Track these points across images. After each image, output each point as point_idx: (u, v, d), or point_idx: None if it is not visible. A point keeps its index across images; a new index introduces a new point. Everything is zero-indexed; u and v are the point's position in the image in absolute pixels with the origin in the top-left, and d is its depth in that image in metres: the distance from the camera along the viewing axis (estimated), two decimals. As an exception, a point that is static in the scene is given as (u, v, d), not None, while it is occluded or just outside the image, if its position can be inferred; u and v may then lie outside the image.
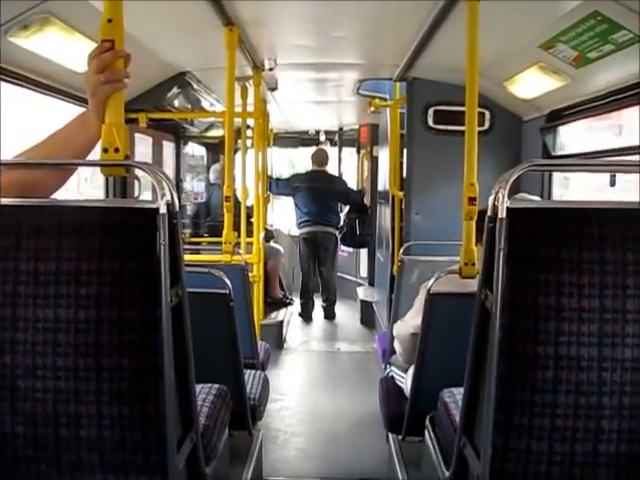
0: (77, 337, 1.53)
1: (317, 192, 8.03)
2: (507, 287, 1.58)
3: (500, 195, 1.59)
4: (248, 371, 3.41)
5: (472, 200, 2.74)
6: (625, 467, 1.60)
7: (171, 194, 1.56)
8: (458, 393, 2.28)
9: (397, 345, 3.27)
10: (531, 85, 4.18)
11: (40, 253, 1.54)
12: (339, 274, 9.02)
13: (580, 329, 1.56)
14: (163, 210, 1.52)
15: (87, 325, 1.53)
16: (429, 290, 2.76)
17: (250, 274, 4.88)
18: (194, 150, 9.05)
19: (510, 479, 1.63)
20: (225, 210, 3.98)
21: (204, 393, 2.36)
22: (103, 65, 1.58)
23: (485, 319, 1.67)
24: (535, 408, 1.58)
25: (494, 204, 1.61)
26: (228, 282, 2.82)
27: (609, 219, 1.58)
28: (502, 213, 1.58)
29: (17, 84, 3.28)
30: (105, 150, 1.59)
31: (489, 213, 1.64)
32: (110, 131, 1.59)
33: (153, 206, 1.52)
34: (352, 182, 9.85)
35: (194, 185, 8.77)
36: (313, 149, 8.87)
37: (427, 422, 2.57)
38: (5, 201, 1.57)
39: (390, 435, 3.40)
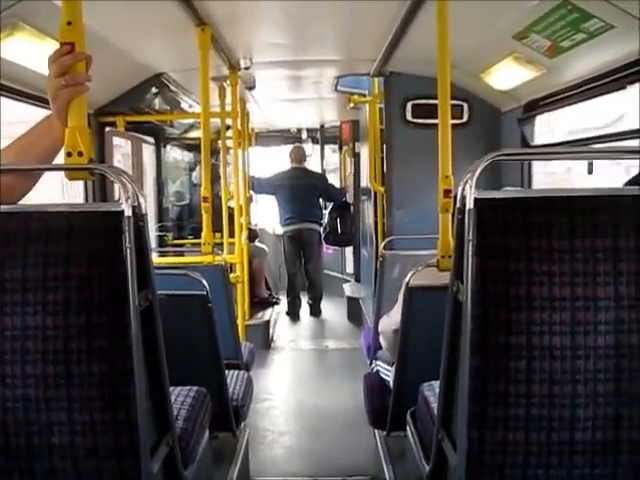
0: (46, 344, 1.51)
1: (298, 189, 8.04)
2: (477, 278, 1.57)
3: (468, 186, 1.58)
4: (231, 372, 3.40)
5: (447, 192, 2.74)
6: (601, 454, 1.60)
7: (137, 196, 1.54)
8: (437, 386, 2.27)
9: (382, 340, 3.27)
10: (507, 76, 4.19)
11: (6, 260, 1.52)
12: (325, 271, 9.02)
13: (552, 318, 1.56)
14: (128, 213, 1.50)
15: (55, 332, 1.51)
16: (407, 284, 2.76)
17: (233, 274, 4.88)
18: (177, 152, 9.02)
19: (487, 471, 1.62)
20: (203, 211, 3.97)
21: (182, 396, 2.34)
22: (63, 68, 1.56)
23: (457, 311, 1.66)
24: (509, 399, 1.58)
25: (462, 195, 1.60)
26: (205, 283, 2.81)
27: (578, 207, 1.58)
28: (470, 204, 1.57)
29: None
30: (69, 154, 1.57)
31: (458, 205, 1.63)
32: (73, 135, 1.57)
33: (118, 209, 1.50)
34: (335, 179, 9.84)
35: (177, 187, 8.73)
36: (298, 146, 8.87)
37: (408, 417, 2.57)
38: None
39: (375, 431, 3.39)
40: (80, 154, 1.56)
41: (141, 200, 1.55)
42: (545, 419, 1.59)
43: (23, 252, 1.52)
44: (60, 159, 1.67)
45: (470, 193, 1.57)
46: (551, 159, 2.18)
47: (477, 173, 1.57)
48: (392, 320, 3.08)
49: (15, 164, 1.66)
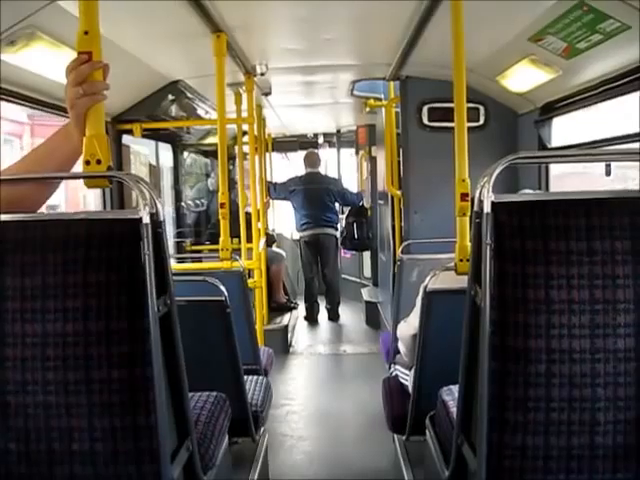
0: (66, 350, 1.52)
1: (313, 193, 8.04)
2: (495, 282, 1.57)
3: (485, 190, 1.58)
4: (250, 377, 3.40)
5: (464, 196, 2.73)
6: (622, 458, 1.58)
7: (155, 203, 1.55)
8: (457, 390, 2.27)
9: (401, 346, 3.27)
10: (523, 78, 4.17)
11: (26, 268, 1.53)
12: (343, 276, 9.02)
13: (571, 321, 1.55)
14: (146, 220, 1.51)
15: (75, 338, 1.52)
16: (425, 288, 2.75)
17: (251, 280, 4.89)
18: (193, 158, 9.06)
19: (507, 475, 1.62)
20: (221, 217, 3.98)
21: (202, 401, 2.35)
22: (81, 77, 1.57)
23: (476, 315, 1.65)
24: (529, 403, 1.57)
25: (479, 199, 1.60)
26: (223, 289, 2.81)
27: (595, 209, 1.57)
28: (487, 208, 1.57)
29: (3, 99, 3.28)
30: (87, 162, 1.58)
31: (475, 208, 1.63)
32: (91, 143, 1.58)
33: (136, 216, 1.51)
34: (352, 183, 9.84)
35: (194, 193, 8.77)
36: (312, 151, 8.88)
37: (427, 421, 2.56)
38: None
39: (395, 435, 3.38)
40: (98, 162, 1.57)
41: (159, 207, 1.56)
42: (565, 423, 1.58)
43: (42, 260, 1.53)
44: (78, 167, 1.69)
45: (487, 196, 1.56)
46: (568, 161, 2.16)
47: (494, 176, 1.57)
48: (410, 325, 3.07)
49: (34, 172, 1.67)
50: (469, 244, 2.74)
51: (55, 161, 1.69)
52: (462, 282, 2.65)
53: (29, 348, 1.53)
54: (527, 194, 2.26)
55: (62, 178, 1.74)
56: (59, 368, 1.52)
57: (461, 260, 2.76)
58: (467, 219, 2.78)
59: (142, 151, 6.73)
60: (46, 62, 3.23)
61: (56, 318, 1.52)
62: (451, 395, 2.34)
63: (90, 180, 1.63)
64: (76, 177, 1.72)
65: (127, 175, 1.62)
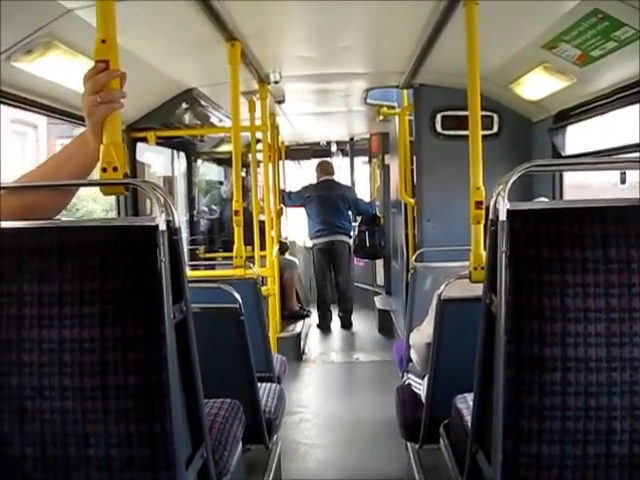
0: (82, 356, 1.53)
1: (327, 201, 8.05)
2: (511, 290, 1.56)
3: (500, 197, 1.58)
4: (263, 384, 3.41)
5: (479, 204, 2.73)
6: (638, 468, 1.57)
7: (171, 211, 1.56)
8: (471, 399, 2.26)
9: (414, 354, 3.26)
10: (537, 86, 4.16)
11: (43, 274, 1.54)
12: (356, 283, 9.01)
13: (587, 329, 1.55)
14: (162, 227, 1.52)
15: (92, 344, 1.53)
16: (440, 296, 2.75)
17: (264, 287, 4.90)
18: (206, 166, 9.10)
19: None
20: (235, 224, 3.99)
21: (216, 408, 2.35)
22: (98, 86, 1.58)
23: (491, 323, 1.65)
24: (544, 411, 1.56)
25: (495, 207, 1.60)
26: (237, 296, 2.82)
27: (611, 217, 1.56)
28: (503, 215, 1.57)
29: (20, 107, 3.31)
30: (104, 169, 1.60)
31: (490, 216, 1.63)
32: (108, 150, 1.60)
33: (152, 223, 1.52)
34: (365, 192, 9.84)
35: (207, 201, 8.80)
36: (325, 160, 8.90)
37: (441, 429, 2.56)
38: (7, 224, 1.59)
39: (408, 443, 3.37)
40: (115, 169, 1.59)
41: (175, 214, 1.57)
42: (581, 432, 1.57)
43: (59, 266, 1.54)
44: (95, 175, 1.70)
45: (503, 204, 1.56)
46: (584, 169, 2.16)
47: (509, 184, 1.57)
48: (424, 334, 3.06)
49: (51, 180, 1.69)
50: (483, 252, 2.76)
51: (72, 169, 1.70)
52: (475, 290, 2.66)
53: (46, 354, 1.54)
54: (542, 202, 2.26)
55: (80, 185, 1.76)
56: (75, 374, 1.53)
57: (475, 268, 2.75)
58: (481, 227, 2.77)
59: (155, 159, 6.77)
60: (61, 70, 3.26)
61: (73, 324, 1.53)
62: (465, 403, 2.34)
63: (107, 187, 1.65)
64: (93, 184, 1.74)
65: (144, 182, 1.64)
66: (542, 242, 1.57)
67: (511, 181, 1.58)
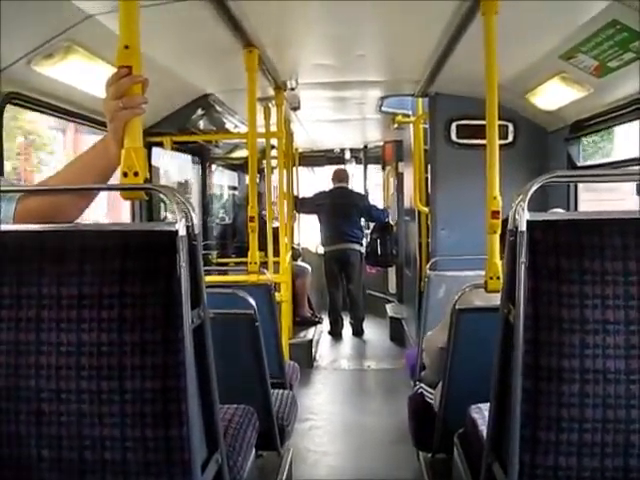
0: (100, 360, 1.53)
1: (340, 208, 8.04)
2: (529, 300, 1.56)
3: (520, 208, 1.57)
4: (276, 391, 3.40)
5: (495, 214, 2.72)
6: None
7: (190, 216, 1.56)
8: (486, 409, 2.25)
9: (426, 358, 3.26)
10: (554, 96, 4.16)
11: (63, 277, 1.55)
12: (368, 291, 9.00)
13: (606, 341, 1.54)
14: (182, 232, 1.52)
15: (110, 348, 1.53)
16: (454, 305, 2.74)
17: (278, 294, 4.90)
18: (220, 172, 9.12)
19: None
20: (250, 230, 4.00)
21: (229, 414, 2.35)
22: (121, 91, 1.59)
23: (508, 333, 1.64)
24: (562, 423, 1.56)
25: (514, 217, 1.59)
26: (252, 302, 2.83)
27: (631, 229, 1.56)
28: (522, 226, 1.56)
29: (39, 111, 3.34)
30: (124, 174, 1.60)
31: (509, 226, 1.63)
32: (129, 155, 1.60)
33: (172, 228, 1.52)
34: (378, 199, 9.83)
35: (220, 206, 8.82)
36: (340, 168, 8.90)
37: (456, 439, 2.54)
38: (28, 226, 1.60)
39: (420, 452, 3.36)
40: (136, 174, 1.59)
41: (195, 220, 1.58)
42: (598, 444, 1.56)
43: (79, 270, 1.55)
44: (115, 179, 1.71)
45: (522, 214, 1.56)
46: (604, 181, 2.16)
47: (529, 194, 1.57)
48: (438, 338, 3.06)
49: (72, 184, 1.70)
50: (499, 262, 2.75)
51: (92, 174, 1.72)
52: (492, 299, 2.66)
53: (64, 357, 1.54)
54: (562, 213, 2.25)
55: (101, 189, 1.77)
56: (93, 377, 1.54)
57: (491, 278, 2.75)
58: (497, 236, 2.77)
59: (170, 164, 6.79)
60: (81, 75, 3.28)
61: (91, 328, 1.53)
62: (480, 413, 2.33)
63: (127, 192, 1.65)
64: (114, 189, 1.74)
65: (163, 187, 1.64)
66: (562, 253, 1.56)
67: (531, 191, 1.58)
